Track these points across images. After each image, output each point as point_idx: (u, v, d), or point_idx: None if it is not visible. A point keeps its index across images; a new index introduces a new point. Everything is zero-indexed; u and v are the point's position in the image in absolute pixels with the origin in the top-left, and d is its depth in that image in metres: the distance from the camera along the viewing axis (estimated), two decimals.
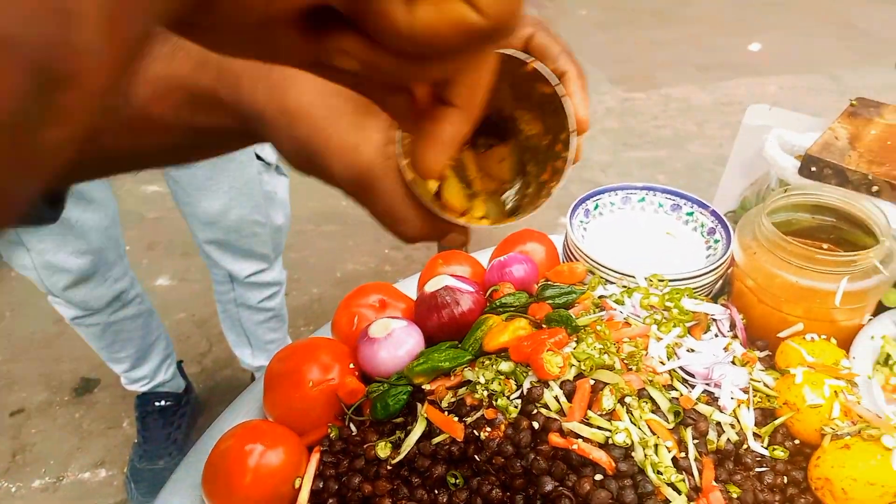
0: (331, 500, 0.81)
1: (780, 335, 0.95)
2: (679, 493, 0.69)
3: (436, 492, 0.77)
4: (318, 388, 0.87)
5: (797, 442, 0.84)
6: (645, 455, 0.71)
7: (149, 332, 1.89)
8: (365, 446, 0.82)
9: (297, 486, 0.82)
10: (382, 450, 0.81)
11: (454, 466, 0.77)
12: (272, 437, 0.82)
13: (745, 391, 0.84)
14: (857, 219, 0.97)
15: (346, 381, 0.84)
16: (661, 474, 0.70)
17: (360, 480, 0.80)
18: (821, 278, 0.89)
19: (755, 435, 0.82)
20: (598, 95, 4.32)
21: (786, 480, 0.79)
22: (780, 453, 0.81)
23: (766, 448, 0.81)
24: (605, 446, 0.71)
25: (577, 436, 0.72)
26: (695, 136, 3.85)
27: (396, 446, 0.81)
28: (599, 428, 0.73)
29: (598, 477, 0.70)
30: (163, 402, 2.03)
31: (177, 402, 2.06)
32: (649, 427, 0.74)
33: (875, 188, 0.99)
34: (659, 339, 0.85)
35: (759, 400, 0.85)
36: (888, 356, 0.94)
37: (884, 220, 0.91)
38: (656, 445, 0.72)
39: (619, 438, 0.71)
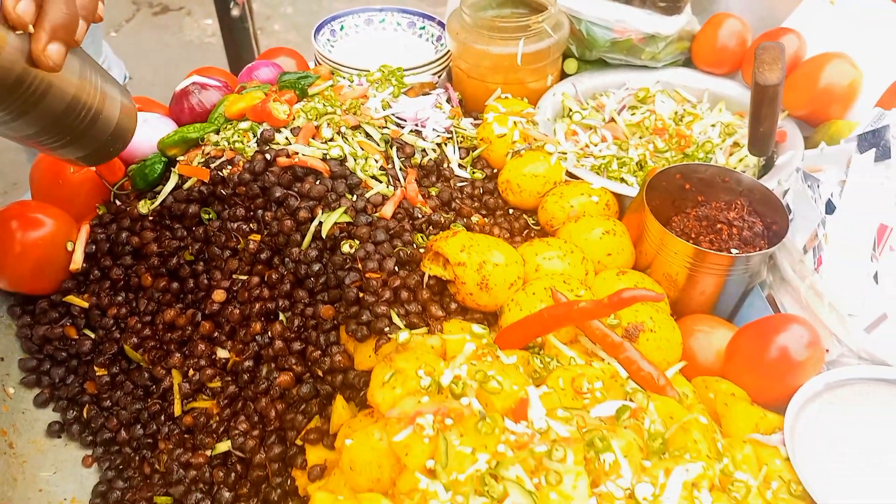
0: (104, 259, 0.93)
1: (487, 102, 1.17)
2: (380, 182, 0.88)
3: (193, 229, 0.91)
4: (79, 173, 0.96)
5: (495, 171, 1.06)
6: (356, 163, 0.89)
7: None
8: (127, 208, 0.93)
9: (69, 248, 0.92)
10: (143, 206, 0.93)
11: (206, 205, 0.91)
12: (38, 211, 0.91)
13: (450, 132, 1.04)
14: (540, 5, 1.19)
15: None
16: (368, 171, 0.88)
17: (127, 235, 0.92)
18: (506, 43, 1.11)
19: (460, 165, 1.04)
20: None
21: (481, 190, 1.01)
22: (478, 174, 1.03)
23: (469, 173, 1.03)
24: (323, 161, 0.88)
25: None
26: None
27: None
28: (319, 149, 0.89)
29: (318, 181, 0.87)
30: None
31: None
32: (361, 147, 0.92)
33: None
34: (375, 95, 1.02)
35: (462, 140, 1.06)
36: (569, 109, 1.19)
37: None
38: (366, 158, 0.91)
39: (334, 153, 0.89)
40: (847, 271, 0.77)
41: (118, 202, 0.97)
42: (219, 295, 0.87)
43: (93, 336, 0.92)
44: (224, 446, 0.79)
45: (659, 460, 0.59)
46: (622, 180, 1.04)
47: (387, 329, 0.75)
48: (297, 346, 0.80)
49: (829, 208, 0.82)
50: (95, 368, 0.90)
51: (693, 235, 0.90)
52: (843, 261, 0.78)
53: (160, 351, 0.89)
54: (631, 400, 0.64)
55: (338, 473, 0.66)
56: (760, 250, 0.83)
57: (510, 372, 0.64)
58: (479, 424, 0.58)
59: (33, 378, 0.90)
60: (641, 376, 0.70)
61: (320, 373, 0.77)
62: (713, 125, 1.14)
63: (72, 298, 0.92)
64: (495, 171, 1.06)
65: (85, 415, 0.89)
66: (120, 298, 0.93)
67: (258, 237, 0.86)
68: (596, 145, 1.14)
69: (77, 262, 0.92)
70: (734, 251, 0.84)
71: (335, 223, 0.82)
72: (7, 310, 0.93)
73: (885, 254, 0.76)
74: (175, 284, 0.91)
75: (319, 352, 0.79)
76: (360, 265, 0.79)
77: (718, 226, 0.88)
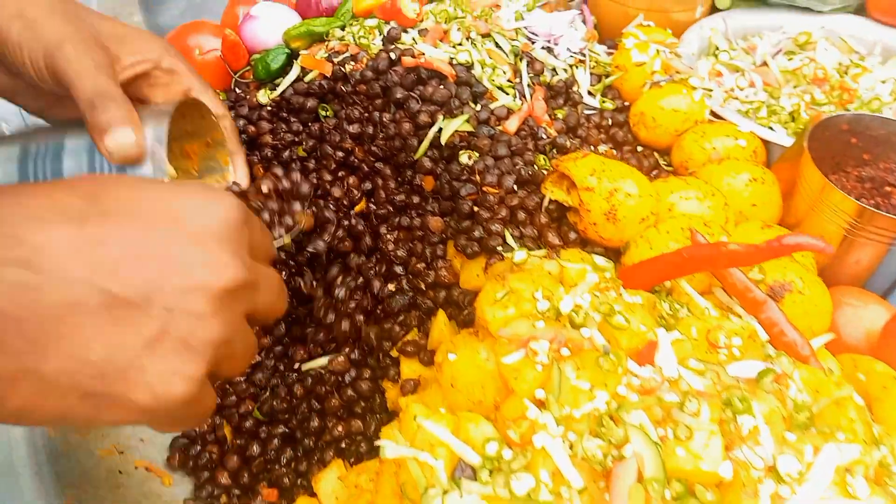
0: None
1: (625, 29, 1.07)
2: (507, 94, 0.81)
3: (309, 124, 0.87)
4: (204, 56, 0.94)
5: (626, 104, 0.97)
6: (483, 71, 0.82)
7: None
8: (247, 96, 0.91)
9: None
10: (263, 96, 0.90)
11: (324, 101, 0.87)
12: None
13: (583, 54, 0.96)
14: None
15: (226, 36, 0.91)
16: (495, 82, 0.82)
17: (244, 123, 0.90)
18: None
19: (590, 93, 0.95)
20: None
21: (610, 122, 0.93)
22: (608, 104, 0.94)
23: (599, 102, 0.94)
24: (450, 65, 0.82)
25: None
26: None
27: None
28: (446, 52, 0.83)
29: (442, 86, 0.81)
30: None
31: None
32: (489, 56, 0.85)
33: None
34: (508, 5, 0.95)
35: (595, 66, 0.97)
36: (716, 47, 1.08)
37: None
38: (494, 67, 0.84)
39: (462, 58, 0.82)
40: None
41: (238, 90, 0.95)
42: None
43: None
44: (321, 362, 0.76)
45: (805, 435, 0.51)
46: (771, 129, 0.93)
47: (500, 248, 0.69)
48: (401, 252, 0.76)
49: None
50: None
51: (854, 196, 0.79)
52: None
53: None
54: (774, 364, 0.56)
55: (434, 390, 0.62)
56: None
57: (637, 310, 0.58)
58: (601, 360, 0.52)
59: None
60: (784, 342, 0.62)
61: (423, 286, 0.73)
62: (884, 81, 1.00)
63: None
64: (626, 104, 0.97)
65: None
66: None
67: (362, 151, 0.82)
68: (742, 89, 1.02)
69: None
70: None
71: (455, 131, 0.76)
72: None
73: None
74: None
75: (424, 264, 0.74)
76: (477, 177, 0.73)
77: (886, 188, 0.77)
